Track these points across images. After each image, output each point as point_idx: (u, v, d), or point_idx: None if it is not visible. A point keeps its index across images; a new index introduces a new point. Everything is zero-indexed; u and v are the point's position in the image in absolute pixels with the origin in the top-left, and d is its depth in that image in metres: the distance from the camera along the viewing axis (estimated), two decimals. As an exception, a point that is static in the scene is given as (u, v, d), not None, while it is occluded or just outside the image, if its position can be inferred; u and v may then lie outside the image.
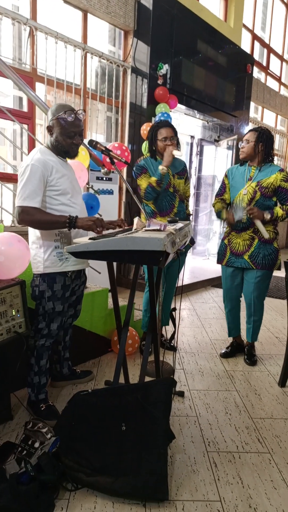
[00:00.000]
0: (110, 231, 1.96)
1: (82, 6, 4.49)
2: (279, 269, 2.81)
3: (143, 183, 2.70)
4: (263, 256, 2.73)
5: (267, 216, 2.64)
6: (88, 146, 2.11)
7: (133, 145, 5.15)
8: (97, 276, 3.32)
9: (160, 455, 1.67)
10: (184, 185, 2.91)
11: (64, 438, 1.77)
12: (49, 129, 2.03)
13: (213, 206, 2.96)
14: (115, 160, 2.10)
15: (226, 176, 2.89)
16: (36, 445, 1.66)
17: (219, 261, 2.93)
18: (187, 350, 3.15)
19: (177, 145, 2.83)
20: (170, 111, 5.34)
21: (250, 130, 2.73)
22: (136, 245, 1.53)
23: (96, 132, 4.91)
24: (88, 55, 4.63)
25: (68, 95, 4.52)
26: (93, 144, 2.07)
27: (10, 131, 4.87)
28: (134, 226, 1.81)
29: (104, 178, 4.26)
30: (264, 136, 2.68)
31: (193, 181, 7.25)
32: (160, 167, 2.65)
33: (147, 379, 2.58)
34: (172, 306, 3.07)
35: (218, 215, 2.89)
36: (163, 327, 3.19)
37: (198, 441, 1.98)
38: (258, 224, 2.65)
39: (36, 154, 1.98)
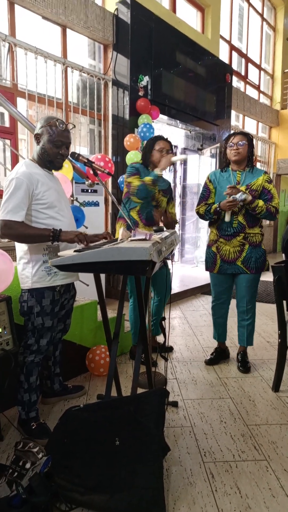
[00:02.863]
0: (97, 242, 1.95)
1: (60, 22, 4.53)
2: (268, 269, 2.84)
3: (135, 181, 2.69)
4: (255, 260, 2.76)
5: (249, 197, 2.61)
6: (70, 158, 2.09)
7: (117, 157, 5.17)
8: (86, 289, 3.28)
9: (155, 468, 1.63)
10: (166, 204, 2.92)
11: (57, 457, 1.72)
12: (37, 137, 2.01)
13: (197, 211, 2.89)
14: (98, 172, 2.10)
15: (209, 180, 2.88)
16: (27, 466, 1.61)
17: (208, 268, 2.92)
18: (180, 359, 3.12)
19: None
20: (153, 121, 5.39)
21: (238, 134, 2.74)
22: (122, 256, 1.52)
23: (79, 145, 4.91)
24: (69, 69, 4.66)
25: (50, 109, 4.53)
26: (75, 156, 2.06)
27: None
28: (119, 236, 1.80)
29: (89, 190, 4.25)
30: (252, 142, 2.77)
31: (178, 190, 7.29)
32: (156, 170, 2.68)
33: (140, 390, 2.55)
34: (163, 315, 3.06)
35: (208, 212, 2.81)
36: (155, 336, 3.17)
37: (194, 452, 1.95)
38: (228, 214, 2.69)
39: (21, 167, 1.96)
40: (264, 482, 1.74)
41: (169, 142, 2.82)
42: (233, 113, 8.04)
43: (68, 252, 1.65)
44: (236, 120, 8.68)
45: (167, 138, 2.85)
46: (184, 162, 7.20)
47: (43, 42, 4.41)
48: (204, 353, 3.24)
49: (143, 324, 1.99)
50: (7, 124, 4.16)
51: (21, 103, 4.25)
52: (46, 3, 4.23)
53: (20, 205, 1.88)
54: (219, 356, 3.05)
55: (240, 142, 2.70)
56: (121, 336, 3.16)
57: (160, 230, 2.21)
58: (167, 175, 6.78)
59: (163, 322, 2.25)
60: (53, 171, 2.12)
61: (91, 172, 2.15)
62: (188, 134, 6.87)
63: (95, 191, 4.27)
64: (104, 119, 5.24)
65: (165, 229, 2.28)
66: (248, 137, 2.74)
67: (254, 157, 2.81)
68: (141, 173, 2.76)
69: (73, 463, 1.70)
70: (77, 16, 4.59)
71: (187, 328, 3.90)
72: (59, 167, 2.09)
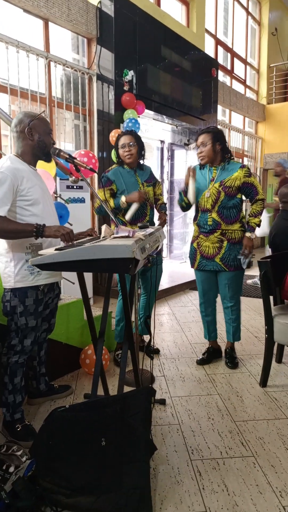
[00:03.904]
0: (80, 240, 1.91)
1: (42, 15, 4.44)
2: (248, 267, 2.82)
3: (101, 196, 2.72)
4: (234, 257, 2.73)
5: (253, 235, 2.70)
6: (52, 154, 2.05)
7: (102, 153, 5.11)
8: (72, 287, 3.24)
9: (142, 468, 1.61)
10: (153, 191, 2.92)
11: (42, 459, 1.69)
12: (29, 131, 1.96)
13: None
14: (81, 168, 2.06)
15: None
16: (11, 469, 1.58)
17: (191, 265, 2.91)
18: (167, 356, 3.10)
19: (141, 151, 2.83)
20: (138, 116, 5.34)
21: (202, 133, 2.71)
22: (104, 253, 1.49)
23: (64, 140, 4.84)
24: (52, 63, 4.58)
25: (33, 104, 4.45)
26: (56, 152, 2.01)
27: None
28: (102, 234, 1.76)
29: (75, 187, 4.19)
30: (218, 135, 2.69)
31: (166, 185, 7.26)
32: (122, 200, 2.70)
33: (128, 389, 2.53)
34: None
35: (181, 199, 2.89)
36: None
37: (181, 450, 1.94)
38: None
39: (5, 162, 1.91)
40: (252, 479, 1.74)
41: (131, 134, 2.79)
42: (219, 107, 8.03)
43: (49, 251, 1.61)
44: (223, 114, 8.66)
45: (128, 131, 2.84)
46: (171, 158, 7.17)
47: (25, 36, 4.31)
48: (192, 349, 3.23)
49: (128, 322, 1.96)
50: (-11, 120, 4.06)
51: (3, 98, 4.16)
52: (27, -4, 4.14)
53: (3, 200, 1.83)
54: (211, 356, 3.00)
55: (202, 143, 2.68)
56: (109, 334, 3.13)
57: (144, 226, 2.18)
58: (155, 171, 6.75)
59: (148, 320, 2.22)
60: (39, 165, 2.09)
61: (74, 168, 2.11)
62: (175, 129, 6.84)
63: (81, 187, 4.22)
64: (89, 114, 5.18)
65: (149, 225, 2.24)
66: (213, 134, 2.67)
67: (228, 148, 2.74)
68: (117, 179, 2.77)
69: (59, 465, 1.67)
70: (59, 9, 4.50)
71: (175, 325, 3.89)
72: (51, 158, 2.09)
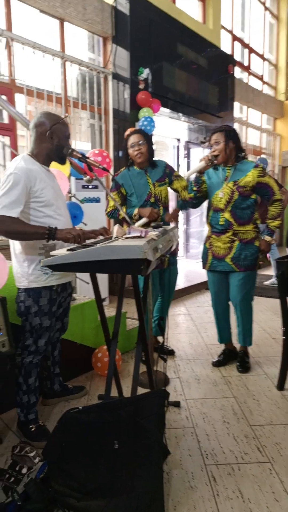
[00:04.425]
0: (92, 240, 1.90)
1: (58, 15, 4.45)
2: (259, 268, 2.74)
3: (111, 200, 2.72)
4: (245, 257, 2.66)
5: (271, 239, 2.67)
6: (65, 154, 2.04)
7: (118, 151, 5.10)
8: (86, 287, 3.25)
9: (155, 472, 1.59)
10: (174, 188, 2.87)
11: (54, 461, 1.68)
12: (50, 135, 1.97)
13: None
14: (94, 167, 2.04)
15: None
16: (24, 471, 1.57)
17: (203, 266, 2.86)
18: (183, 357, 3.07)
19: (151, 149, 2.79)
20: (154, 115, 5.30)
21: (215, 132, 2.65)
22: (115, 254, 1.46)
23: (80, 140, 4.85)
24: (67, 63, 4.58)
25: (49, 104, 4.46)
26: (69, 151, 2.00)
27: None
28: (114, 234, 1.74)
29: (90, 186, 4.19)
30: (231, 134, 2.62)
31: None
32: (134, 212, 2.68)
33: (142, 390, 2.51)
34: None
35: (190, 189, 2.81)
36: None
37: (195, 454, 1.90)
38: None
39: (19, 163, 1.90)
40: (267, 486, 1.69)
41: (140, 133, 2.75)
42: (237, 105, 7.91)
43: (61, 251, 1.59)
44: (240, 112, 8.54)
45: (137, 130, 2.82)
46: (187, 156, 7.10)
47: (41, 36, 4.33)
48: (208, 351, 3.19)
49: (141, 323, 1.94)
50: (5, 120, 4.10)
51: (20, 99, 4.19)
52: (42, -4, 4.15)
53: (17, 201, 1.83)
54: (227, 357, 2.94)
55: (216, 142, 2.62)
56: (125, 334, 3.11)
57: (158, 226, 2.15)
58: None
59: (161, 322, 2.19)
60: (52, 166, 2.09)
61: (88, 168, 2.10)
62: (191, 127, 6.77)
63: (96, 187, 4.21)
64: (104, 114, 5.17)
65: (162, 224, 2.21)
66: (225, 133, 2.60)
67: (241, 147, 2.66)
68: (125, 182, 2.76)
69: (71, 467, 1.66)
70: (74, 8, 4.50)
71: (191, 325, 3.84)
72: (65, 161, 2.10)
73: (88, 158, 2.03)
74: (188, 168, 7.15)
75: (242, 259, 2.65)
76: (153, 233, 1.71)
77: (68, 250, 1.59)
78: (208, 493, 1.65)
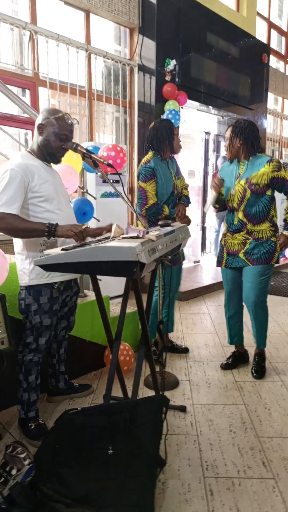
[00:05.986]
0: (91, 239, 1.84)
1: (83, 6, 4.39)
2: (277, 262, 2.58)
3: (150, 190, 2.62)
4: (258, 251, 2.53)
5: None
6: (70, 148, 1.99)
7: (143, 145, 5.01)
8: (103, 284, 3.19)
9: (145, 484, 1.52)
10: (180, 184, 2.82)
11: (46, 463, 1.65)
12: (40, 127, 1.93)
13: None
14: (100, 163, 1.98)
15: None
16: (13, 472, 1.55)
17: (218, 263, 2.75)
18: (196, 359, 2.97)
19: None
20: (182, 107, 5.17)
21: (228, 127, 2.55)
22: (106, 256, 1.40)
23: (103, 133, 4.80)
24: (92, 55, 4.53)
25: (73, 97, 4.44)
26: (73, 147, 1.95)
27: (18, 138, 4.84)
28: (112, 234, 1.67)
29: (112, 181, 4.13)
30: (238, 130, 2.47)
31: (210, 178, 7.01)
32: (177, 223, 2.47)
33: (149, 392, 2.44)
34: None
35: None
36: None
37: (195, 465, 1.82)
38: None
39: (17, 159, 1.89)
40: (268, 505, 1.58)
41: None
42: (271, 96, 7.60)
43: (54, 251, 1.54)
44: (275, 103, 8.20)
45: None
46: (217, 149, 6.90)
47: (67, 29, 4.30)
48: (223, 353, 3.07)
49: (144, 327, 1.87)
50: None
51: (43, 92, 4.18)
52: (67, -12, 4.11)
53: (15, 197, 1.80)
54: (237, 360, 2.83)
55: (226, 138, 2.55)
56: (138, 331, 3.05)
57: (166, 225, 2.06)
58: (199, 163, 6.54)
59: (161, 326, 2.11)
60: (51, 164, 2.04)
61: (104, 163, 2.03)
62: (221, 120, 6.56)
63: (117, 181, 4.15)
64: (129, 107, 5.09)
65: (171, 222, 2.12)
66: (232, 128, 2.49)
67: (255, 142, 2.50)
68: (157, 169, 2.65)
69: (62, 471, 1.62)
70: (100, -1, 4.43)
71: (209, 325, 3.73)
72: (59, 161, 2.04)
73: (93, 153, 1.96)
74: (216, 161, 6.95)
75: (255, 253, 2.53)
76: (153, 233, 1.63)
77: (62, 249, 1.54)
78: (203, 508, 1.57)
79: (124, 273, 1.44)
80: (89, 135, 4.64)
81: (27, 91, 4.14)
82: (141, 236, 1.56)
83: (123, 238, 1.58)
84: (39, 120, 1.95)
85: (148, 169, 2.63)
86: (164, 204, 2.68)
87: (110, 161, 2.10)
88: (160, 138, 2.68)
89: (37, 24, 4.03)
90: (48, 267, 1.50)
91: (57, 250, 1.54)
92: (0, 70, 3.81)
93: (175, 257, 2.68)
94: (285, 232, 2.56)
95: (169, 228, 1.93)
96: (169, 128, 2.68)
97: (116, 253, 1.38)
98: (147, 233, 1.63)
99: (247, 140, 2.47)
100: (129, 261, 1.37)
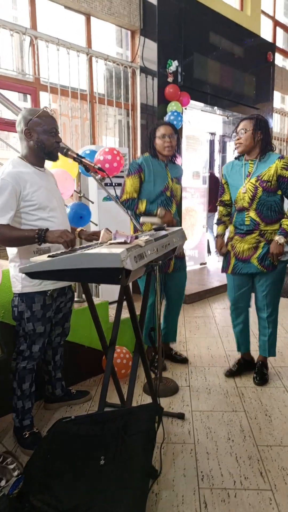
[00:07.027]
0: (80, 245, 1.81)
1: (84, 10, 4.39)
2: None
3: (128, 185, 2.60)
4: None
5: (281, 239, 2.37)
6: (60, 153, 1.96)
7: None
8: (105, 290, 3.18)
9: (136, 496, 1.48)
10: (181, 190, 2.79)
11: (37, 474, 1.62)
12: (27, 132, 1.88)
13: (218, 208, 2.78)
14: (90, 167, 1.95)
15: (223, 174, 2.64)
16: (2, 483, 1.53)
17: (224, 269, 2.66)
18: (197, 364, 2.92)
19: (178, 147, 2.70)
20: (185, 108, 5.13)
21: (244, 119, 2.43)
22: (91, 263, 1.37)
23: (106, 136, 4.79)
24: (93, 59, 4.52)
25: (74, 101, 4.43)
26: (63, 151, 1.92)
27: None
28: (100, 239, 1.64)
29: (114, 184, 4.11)
30: (262, 123, 2.38)
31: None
32: (158, 212, 2.28)
33: (148, 399, 2.41)
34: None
35: (218, 222, 2.75)
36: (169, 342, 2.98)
37: (190, 475, 1.77)
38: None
39: (7, 167, 1.86)
40: (264, 518, 1.53)
41: (171, 126, 2.63)
42: (277, 94, 7.51)
43: (41, 258, 1.52)
44: (282, 102, 8.10)
45: (169, 123, 2.67)
46: (222, 150, 6.84)
47: (67, 33, 4.30)
48: (226, 358, 3.01)
49: (137, 334, 1.83)
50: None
51: (44, 97, 4.18)
52: (67, -8, 4.11)
53: (5, 207, 1.78)
54: (242, 368, 2.74)
55: (242, 129, 2.40)
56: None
57: (160, 229, 2.03)
58: (204, 164, 6.48)
59: (152, 333, 2.07)
60: (50, 164, 2.02)
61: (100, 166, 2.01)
62: (226, 120, 6.51)
63: (119, 184, 4.12)
64: (132, 109, 5.07)
65: (165, 226, 2.08)
66: (255, 121, 2.37)
67: (270, 140, 2.43)
68: (147, 166, 2.61)
69: (53, 482, 1.59)
70: (100, 2, 4.42)
71: (213, 329, 3.67)
72: (57, 156, 1.99)
73: (83, 158, 1.94)
74: (224, 163, 6.88)
75: (269, 258, 2.44)
76: (142, 239, 1.59)
77: (48, 256, 1.51)
78: (195, 521, 1.52)
79: (110, 280, 1.41)
80: (91, 138, 4.62)
81: (28, 96, 4.15)
82: (128, 241, 1.53)
83: (111, 244, 1.55)
84: (21, 125, 1.89)
85: (134, 164, 2.62)
86: (151, 203, 2.62)
87: (99, 165, 2.06)
88: (147, 140, 2.70)
89: (38, 29, 4.04)
90: (34, 275, 1.48)
91: (43, 257, 1.52)
92: (1, 76, 3.82)
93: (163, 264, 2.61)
94: (275, 238, 2.40)
95: (162, 232, 1.89)
96: (152, 129, 2.65)
97: (101, 260, 1.35)
98: (136, 238, 1.60)
99: (266, 137, 2.39)
100: (115, 268, 1.34)
